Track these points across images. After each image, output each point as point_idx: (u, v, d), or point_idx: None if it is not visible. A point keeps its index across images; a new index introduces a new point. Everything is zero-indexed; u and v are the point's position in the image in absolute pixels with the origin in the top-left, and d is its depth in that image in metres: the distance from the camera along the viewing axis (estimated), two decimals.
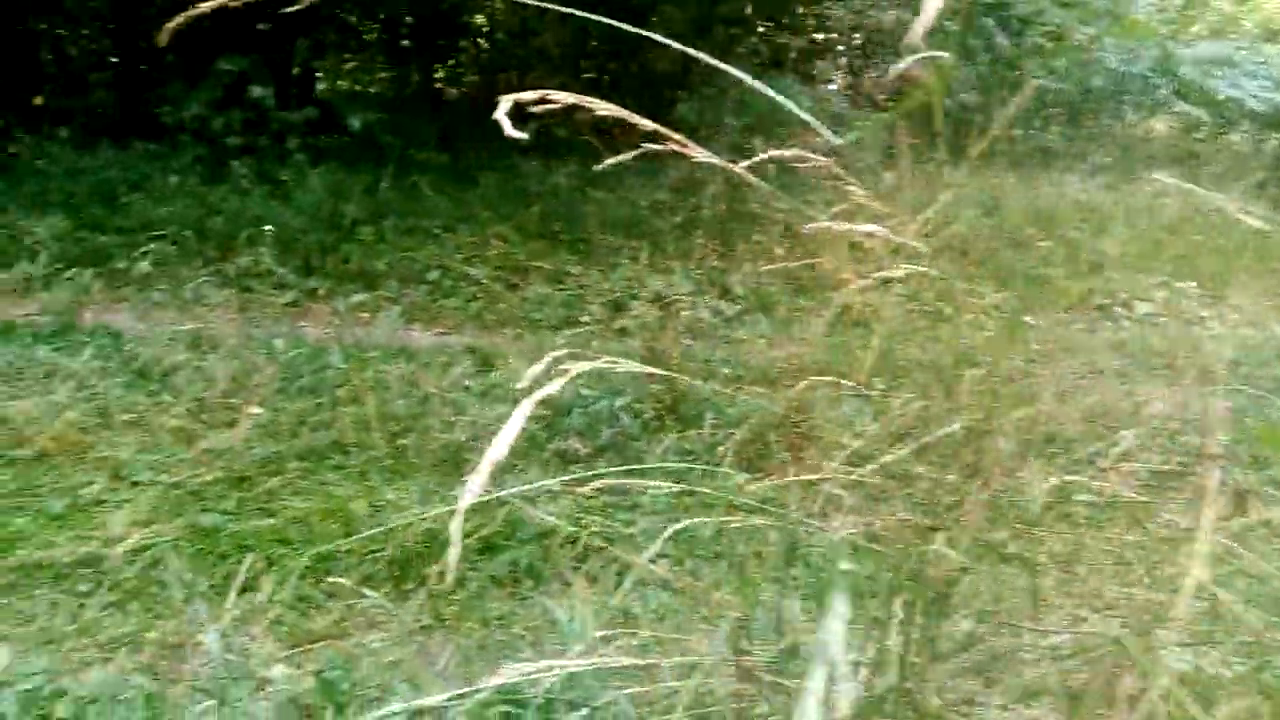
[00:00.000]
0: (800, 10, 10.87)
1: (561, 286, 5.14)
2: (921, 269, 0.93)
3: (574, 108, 0.85)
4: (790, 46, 10.93)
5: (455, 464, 3.05)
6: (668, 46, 0.95)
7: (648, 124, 0.89)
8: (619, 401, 3.27)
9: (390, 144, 5.92)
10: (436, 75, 9.05)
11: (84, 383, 3.07)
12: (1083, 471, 1.14)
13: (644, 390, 3.46)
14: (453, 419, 3.30)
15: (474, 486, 0.81)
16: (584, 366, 0.83)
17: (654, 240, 5.71)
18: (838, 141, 0.75)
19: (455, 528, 0.84)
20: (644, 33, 1.27)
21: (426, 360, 3.89)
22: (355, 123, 5.62)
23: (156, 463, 2.78)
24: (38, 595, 2.31)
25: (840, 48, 11.60)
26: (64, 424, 2.85)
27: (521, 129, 0.74)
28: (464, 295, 4.97)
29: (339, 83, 8.22)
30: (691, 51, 1.09)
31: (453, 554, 0.86)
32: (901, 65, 0.66)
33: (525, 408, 0.81)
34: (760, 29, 10.57)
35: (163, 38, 0.93)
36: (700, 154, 0.84)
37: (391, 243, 5.25)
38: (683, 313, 4.74)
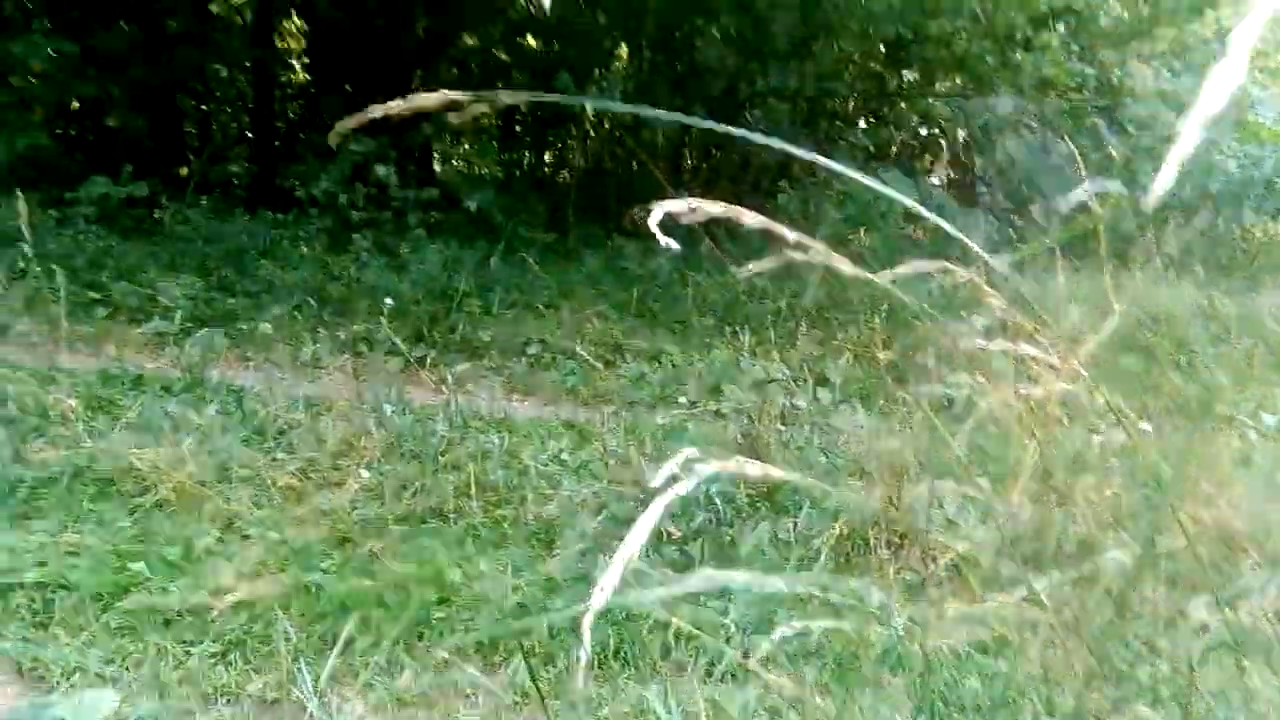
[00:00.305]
0: (903, 105, 10.98)
1: (658, 366, 5.19)
2: (1067, 386, 0.90)
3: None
4: (893, 140, 11.02)
5: (547, 538, 3.06)
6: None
7: (790, 234, 0.90)
8: (714, 486, 3.24)
9: (502, 222, 6.18)
10: (546, 159, 9.47)
11: (206, 437, 3.23)
12: (1229, 606, 1.06)
13: (739, 476, 3.43)
14: (548, 492, 3.33)
15: (607, 586, 0.81)
16: (716, 467, 0.83)
17: (751, 325, 5.73)
18: (996, 263, 0.74)
19: (586, 627, 0.83)
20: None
21: (525, 432, 3.95)
22: (471, 203, 5.90)
23: (267, 518, 2.87)
24: (147, 640, 2.39)
25: (943, 142, 11.63)
26: (185, 475, 2.99)
27: (668, 235, 0.76)
28: (563, 370, 5.06)
29: (454, 163, 8.67)
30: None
31: (584, 654, 0.86)
32: (1076, 195, 0.66)
33: (657, 507, 0.81)
34: (863, 123, 10.71)
35: (332, 139, 1.00)
36: (844, 266, 0.85)
37: (497, 315, 5.42)
38: (779, 399, 4.70)
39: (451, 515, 3.08)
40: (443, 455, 3.41)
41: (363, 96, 8.33)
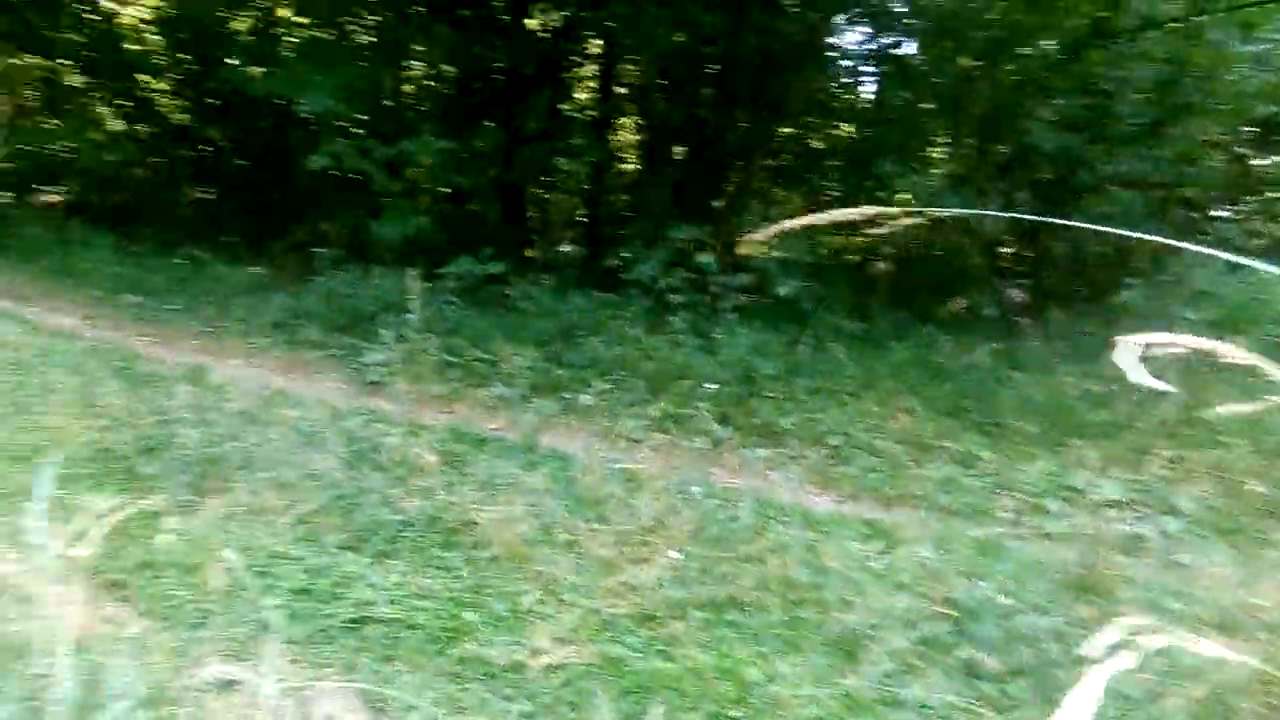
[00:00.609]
0: (1273, 192, 9.58)
1: (970, 471, 4.83)
2: None
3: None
4: (1262, 232, 9.62)
5: (849, 649, 2.91)
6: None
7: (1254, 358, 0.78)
8: (1043, 620, 2.91)
9: (809, 308, 6.19)
10: (856, 245, 9.40)
11: (536, 500, 3.51)
12: None
13: (1074, 612, 3.05)
14: (850, 599, 3.18)
15: None
16: (1165, 642, 0.73)
17: (1082, 434, 5.17)
18: None
19: None
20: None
21: (825, 528, 3.84)
22: (783, 289, 5.99)
23: (582, 585, 3.04)
24: (471, 689, 2.58)
25: None
26: (515, 535, 3.26)
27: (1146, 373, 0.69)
28: (863, 465, 4.88)
29: (766, 248, 8.89)
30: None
31: None
32: None
33: (1099, 679, 0.73)
34: (1223, 212, 9.47)
35: (743, 248, 1.04)
36: None
37: (798, 402, 5.39)
38: (1116, 524, 4.16)
39: (750, 608, 3.05)
40: (742, 544, 3.41)
41: (686, 186, 8.90)
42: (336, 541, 3.19)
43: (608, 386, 5.24)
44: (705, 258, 5.85)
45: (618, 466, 3.85)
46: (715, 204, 6.16)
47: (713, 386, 5.03)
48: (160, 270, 7.24)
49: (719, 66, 8.95)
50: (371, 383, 5.30)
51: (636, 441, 4.46)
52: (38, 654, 1.70)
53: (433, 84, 10.04)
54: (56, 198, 10.10)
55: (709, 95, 8.50)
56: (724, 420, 4.96)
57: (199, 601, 2.73)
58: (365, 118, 8.67)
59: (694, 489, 3.71)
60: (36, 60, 10.37)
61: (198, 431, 3.82)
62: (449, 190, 9.19)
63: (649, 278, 6.00)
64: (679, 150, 8.85)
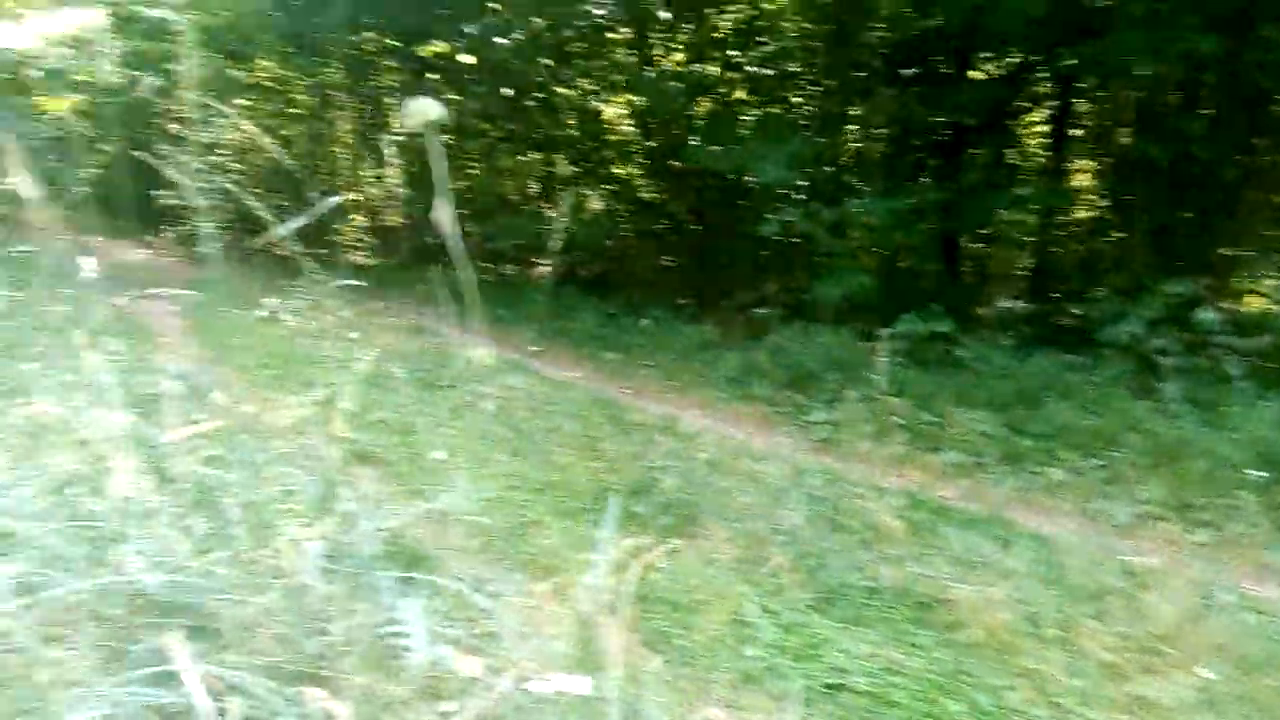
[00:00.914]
0: None
1: None
2: None
3: None
4: None
5: None
6: None
7: None
8: None
9: None
10: None
11: (1017, 584, 3.19)
12: None
13: None
14: None
15: None
16: None
17: None
18: None
19: None
20: None
21: None
22: None
23: (1081, 690, 2.66)
24: None
25: None
26: (995, 620, 2.98)
27: None
28: None
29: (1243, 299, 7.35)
30: None
31: None
32: None
33: None
34: None
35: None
36: None
37: None
38: None
39: None
40: None
41: (1167, 232, 7.74)
42: (805, 600, 3.20)
43: (1084, 461, 4.65)
44: (1206, 314, 4.96)
45: (1114, 557, 3.36)
46: (1218, 251, 5.19)
47: (1233, 471, 4.19)
48: (632, 330, 8.16)
49: (1209, 93, 7.71)
50: (819, 440, 5.35)
51: (1126, 528, 3.86)
52: (605, 675, 1.88)
53: (871, 144, 10.09)
54: (547, 269, 11.99)
55: (1198, 129, 7.33)
56: (1247, 513, 4.10)
57: (687, 640, 2.90)
58: (806, 183, 8.97)
59: (1219, 594, 3.09)
60: (538, 156, 12.54)
61: (674, 478, 4.15)
62: (884, 249, 9.08)
63: (1130, 336, 5.25)
64: (1156, 193, 7.74)
